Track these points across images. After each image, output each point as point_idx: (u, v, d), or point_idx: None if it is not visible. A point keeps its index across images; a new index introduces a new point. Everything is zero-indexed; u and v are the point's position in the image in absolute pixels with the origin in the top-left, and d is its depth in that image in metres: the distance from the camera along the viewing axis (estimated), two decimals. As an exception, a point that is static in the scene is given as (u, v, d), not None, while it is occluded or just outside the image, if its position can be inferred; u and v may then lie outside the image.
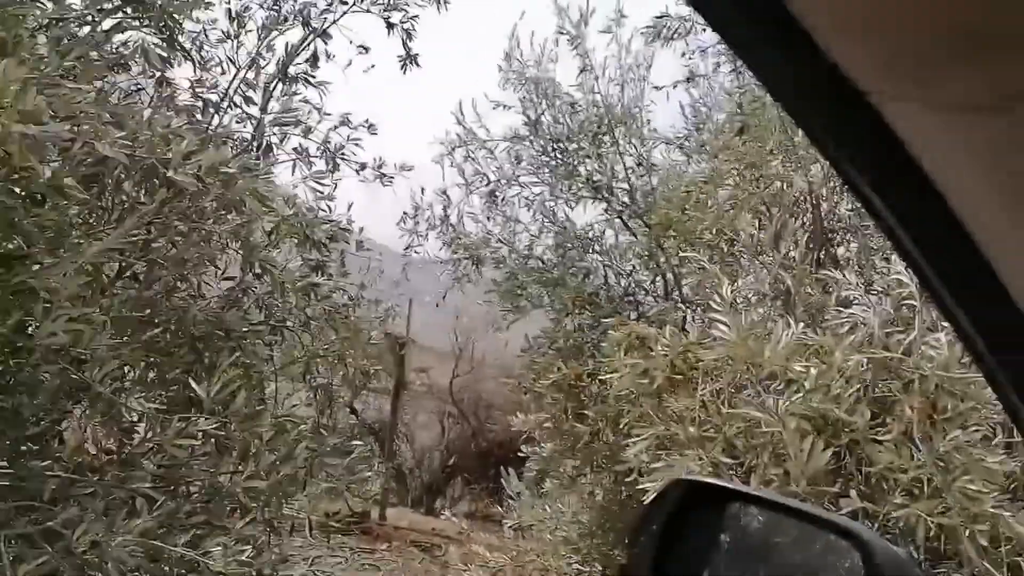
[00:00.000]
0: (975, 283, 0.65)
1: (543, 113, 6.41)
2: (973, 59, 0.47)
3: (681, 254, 5.27)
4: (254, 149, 4.72)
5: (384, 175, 5.73)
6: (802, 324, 3.33)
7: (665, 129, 6.63)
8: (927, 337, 3.59)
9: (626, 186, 6.40)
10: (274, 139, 5.21)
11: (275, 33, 4.58)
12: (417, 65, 5.41)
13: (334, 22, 4.67)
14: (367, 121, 5.39)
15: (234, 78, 4.42)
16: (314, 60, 4.84)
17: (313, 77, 4.73)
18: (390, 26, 4.74)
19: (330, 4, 4.65)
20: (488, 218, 7.07)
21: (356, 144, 5.23)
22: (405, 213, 6.19)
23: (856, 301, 3.92)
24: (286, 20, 4.54)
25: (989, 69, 0.47)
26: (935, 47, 0.47)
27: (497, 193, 6.96)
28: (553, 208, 6.55)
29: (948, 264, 0.67)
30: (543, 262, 6.70)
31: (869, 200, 0.64)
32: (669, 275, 6.21)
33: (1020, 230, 0.58)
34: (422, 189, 6.29)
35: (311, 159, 5.37)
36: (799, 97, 0.60)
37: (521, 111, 6.46)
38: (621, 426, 3.80)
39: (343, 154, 5.44)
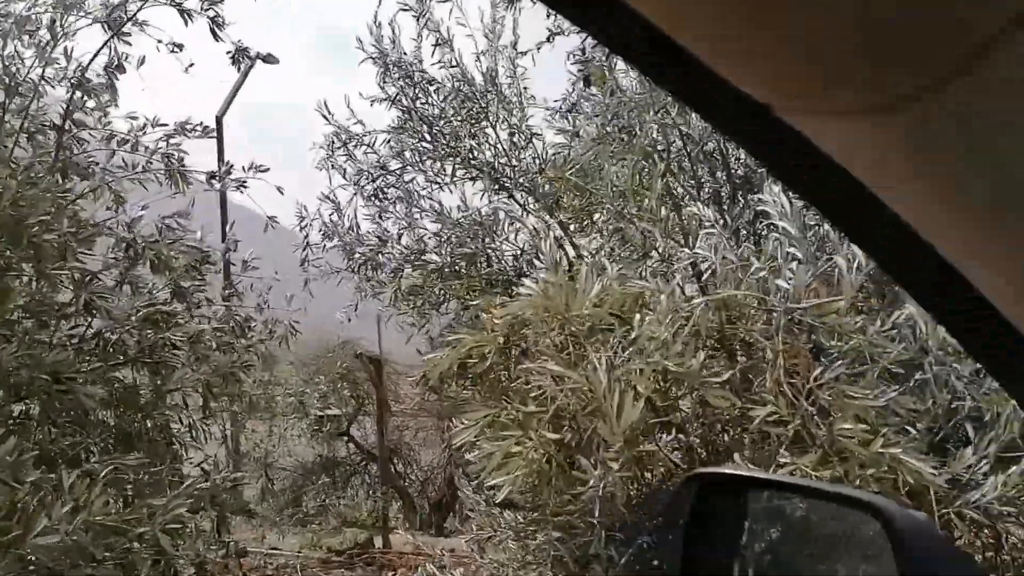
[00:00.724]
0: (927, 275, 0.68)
1: (399, 95, 5.99)
2: (853, 68, 0.48)
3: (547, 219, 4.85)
4: (55, 171, 4.26)
5: (238, 182, 5.29)
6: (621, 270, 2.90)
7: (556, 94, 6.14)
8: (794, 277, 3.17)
9: (511, 160, 5.98)
10: (100, 155, 4.78)
11: (63, 40, 4.13)
12: (248, 58, 4.98)
13: (130, 19, 4.22)
14: (201, 124, 4.95)
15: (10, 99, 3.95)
16: (118, 66, 4.39)
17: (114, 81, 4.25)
18: (185, 13, 4.27)
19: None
20: (380, 216, 6.64)
21: (180, 151, 4.76)
22: (271, 217, 5.71)
23: (709, 240, 3.50)
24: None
25: (871, 75, 0.49)
26: (813, 62, 0.49)
27: (385, 189, 6.54)
28: (429, 194, 6.11)
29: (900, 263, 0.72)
30: (439, 255, 6.26)
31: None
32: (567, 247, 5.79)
33: (954, 220, 0.60)
34: (280, 189, 5.81)
35: (151, 174, 4.92)
36: (711, 114, 0.63)
37: (385, 97, 6.04)
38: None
39: (183, 165, 5.00)
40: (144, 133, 4.98)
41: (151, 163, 4.76)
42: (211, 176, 5.23)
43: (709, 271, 3.28)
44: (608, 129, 4.58)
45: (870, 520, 1.20)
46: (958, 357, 3.01)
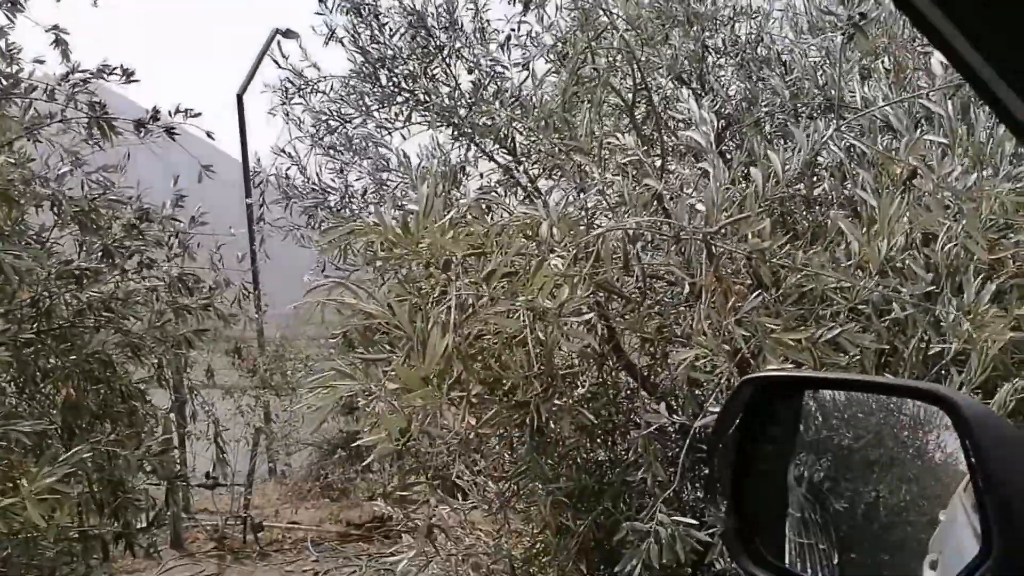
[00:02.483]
0: None
1: (350, 34, 5.58)
2: None
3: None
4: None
5: (168, 129, 4.95)
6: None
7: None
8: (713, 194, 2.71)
9: (470, 102, 5.53)
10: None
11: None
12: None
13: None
14: (121, 67, 4.61)
15: None
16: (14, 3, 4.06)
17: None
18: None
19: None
20: (341, 171, 6.26)
21: (88, 93, 4.41)
22: (205, 166, 5.34)
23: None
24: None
25: None
26: None
27: (344, 139, 6.15)
28: (388, 143, 5.69)
29: None
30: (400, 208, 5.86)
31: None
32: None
33: None
34: (210, 134, 5.44)
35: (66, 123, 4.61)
36: None
37: (324, 34, 5.63)
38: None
39: (106, 112, 4.67)
40: (67, 81, 4.69)
41: (66, 111, 4.46)
42: (139, 125, 4.91)
43: (621, 200, 2.87)
44: (549, 59, 4.14)
45: (937, 411, 1.17)
46: (903, 279, 2.56)
